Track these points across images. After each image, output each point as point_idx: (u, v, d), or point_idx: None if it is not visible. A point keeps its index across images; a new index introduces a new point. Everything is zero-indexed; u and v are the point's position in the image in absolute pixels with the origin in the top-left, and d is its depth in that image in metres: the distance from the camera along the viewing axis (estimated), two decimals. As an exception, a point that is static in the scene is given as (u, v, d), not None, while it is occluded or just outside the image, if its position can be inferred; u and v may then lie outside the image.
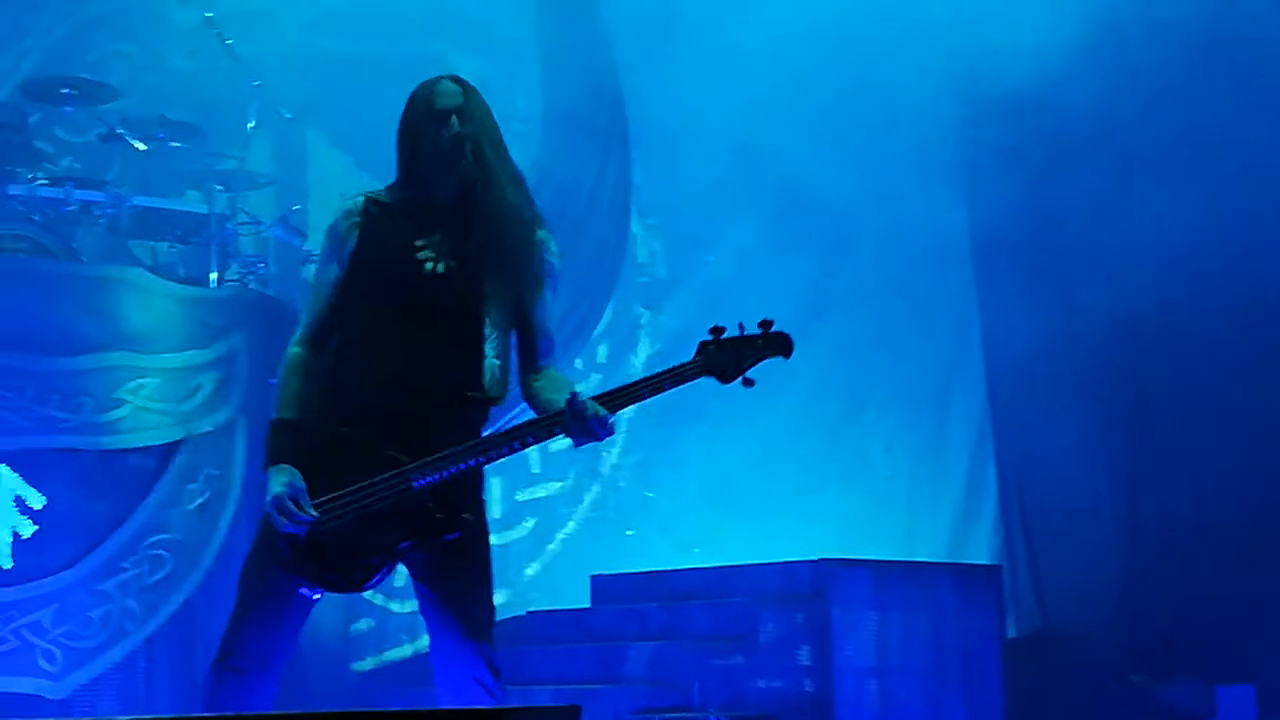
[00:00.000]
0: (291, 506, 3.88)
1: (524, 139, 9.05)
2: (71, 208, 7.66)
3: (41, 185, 7.64)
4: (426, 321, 3.97)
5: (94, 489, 7.06)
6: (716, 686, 6.97)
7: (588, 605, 8.03)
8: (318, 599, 4.07)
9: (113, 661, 6.98)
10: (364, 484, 3.89)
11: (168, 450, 7.15)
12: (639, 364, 9.76)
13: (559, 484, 9.60)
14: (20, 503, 6.93)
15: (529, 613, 8.25)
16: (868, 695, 7.13)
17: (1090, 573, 8.76)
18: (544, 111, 8.36)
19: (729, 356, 4.02)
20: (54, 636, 6.92)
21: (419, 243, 4.00)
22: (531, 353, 4.12)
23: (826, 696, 6.99)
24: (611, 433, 3.98)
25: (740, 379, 4.05)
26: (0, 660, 6.85)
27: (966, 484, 9.74)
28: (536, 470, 9.54)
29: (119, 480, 7.10)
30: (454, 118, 4.02)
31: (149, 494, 7.11)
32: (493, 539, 9.20)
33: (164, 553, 7.06)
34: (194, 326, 7.27)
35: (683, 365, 4.01)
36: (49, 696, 6.88)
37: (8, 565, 6.89)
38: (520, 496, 9.49)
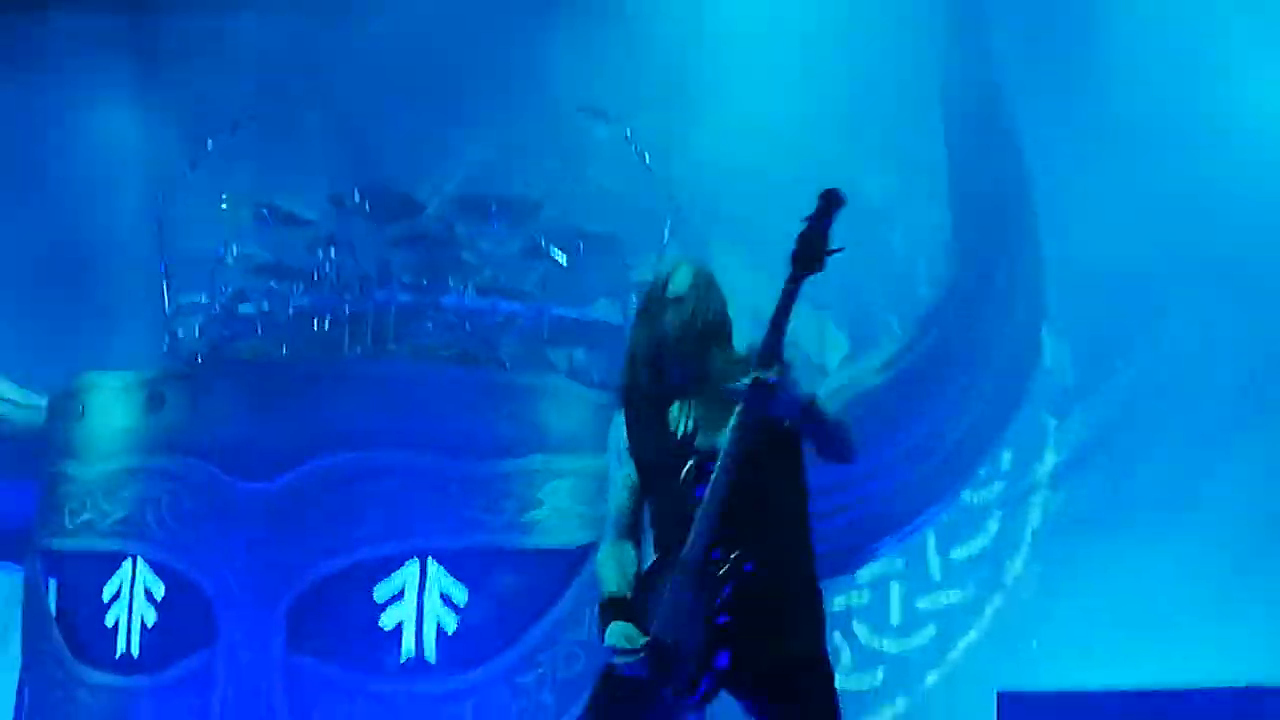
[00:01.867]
0: (626, 644, 4.16)
1: (932, 249, 9.03)
2: (497, 318, 8.06)
3: (470, 296, 8.07)
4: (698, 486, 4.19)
5: (513, 586, 7.34)
6: (1132, 815, 6.70)
7: (994, 720, 7.84)
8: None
9: (530, 754, 7.21)
10: (664, 590, 4.17)
11: (583, 551, 7.34)
12: (1045, 472, 9.53)
13: (960, 592, 9.45)
14: (446, 599, 7.26)
15: (935, 727, 8.14)
16: (1294, 831, 6.72)
17: None
18: (954, 221, 8.34)
19: (804, 246, 4.08)
20: (475, 728, 7.20)
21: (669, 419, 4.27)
22: None
23: (1251, 830, 6.62)
24: (777, 390, 4.03)
25: (829, 255, 4.08)
26: (460, 751, 7.17)
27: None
28: (937, 578, 9.41)
29: (536, 578, 7.35)
30: (674, 307, 4.33)
31: (565, 591, 7.35)
32: (891, 646, 9.25)
33: (578, 649, 7.26)
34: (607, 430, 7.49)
35: (785, 284, 4.09)
36: (469, 787, 7.17)
37: (432, 659, 7.22)
38: (920, 604, 9.38)
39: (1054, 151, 8.74)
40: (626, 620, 4.21)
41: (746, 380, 4.06)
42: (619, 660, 4.17)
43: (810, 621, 4.24)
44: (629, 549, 4.36)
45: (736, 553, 4.10)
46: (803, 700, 4.13)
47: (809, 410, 4.11)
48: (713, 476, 4.09)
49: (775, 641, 4.13)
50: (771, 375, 4.02)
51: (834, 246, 4.09)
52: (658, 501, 4.35)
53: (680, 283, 4.38)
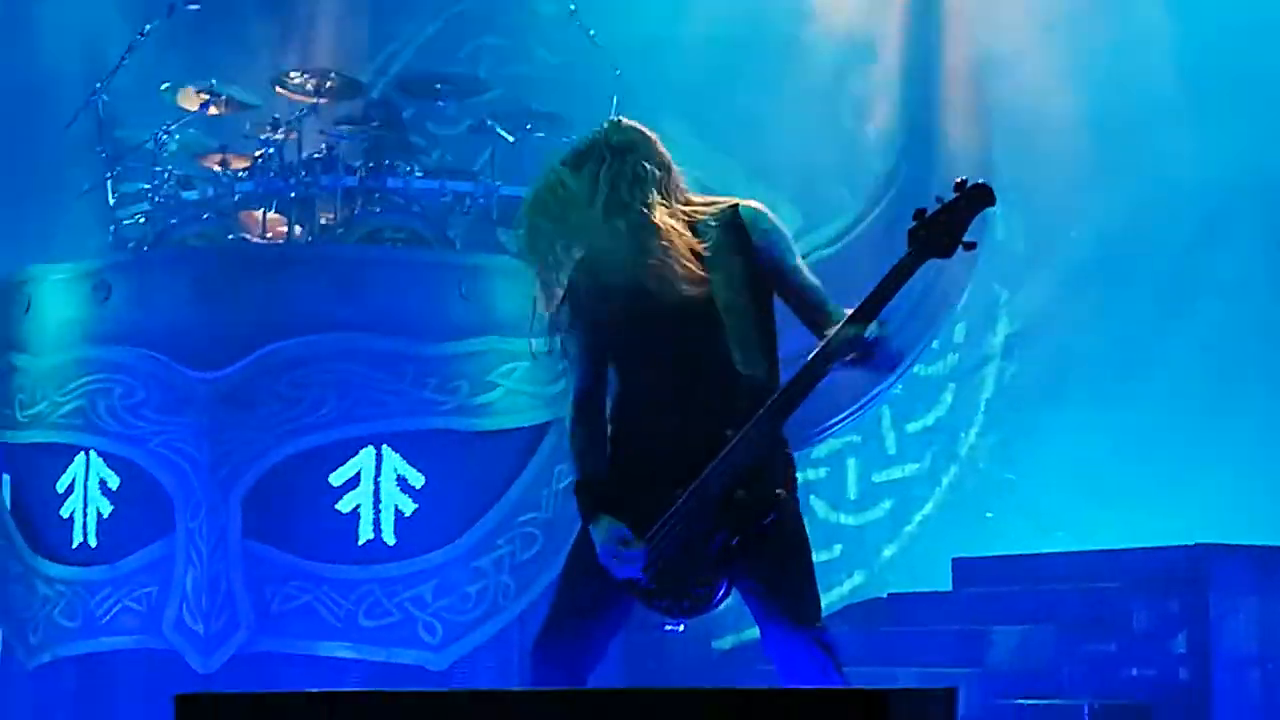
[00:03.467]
0: (622, 549, 4.01)
1: (883, 114, 8.96)
2: (445, 198, 7.98)
3: (417, 178, 7.99)
4: (674, 344, 4.07)
5: (469, 469, 7.35)
6: (1086, 674, 6.81)
7: (948, 588, 7.94)
8: (682, 629, 4.17)
9: (489, 635, 7.25)
10: (675, 506, 3.99)
11: (538, 431, 7.38)
12: (997, 343, 9.56)
13: (915, 465, 9.50)
14: (402, 482, 7.26)
15: (889, 595, 8.21)
16: (1249, 685, 6.84)
17: None
18: (901, 87, 8.27)
19: (939, 231, 3.91)
20: (434, 610, 7.23)
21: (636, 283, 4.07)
22: (807, 313, 4.13)
23: (1204, 686, 6.73)
24: (875, 348, 3.91)
25: (961, 246, 3.94)
26: (385, 632, 7.21)
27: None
28: (893, 452, 9.46)
29: (492, 460, 7.37)
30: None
31: (520, 474, 7.36)
32: (849, 520, 9.31)
33: (535, 531, 7.29)
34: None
35: (903, 259, 3.91)
36: (430, 668, 7.21)
37: (391, 542, 7.24)
38: (876, 478, 9.44)
39: (1001, 21, 8.69)
40: (608, 510, 4.04)
41: (830, 341, 3.90)
42: (614, 565, 4.00)
43: (779, 467, 4.11)
44: (599, 422, 4.16)
45: (778, 488, 4.00)
46: (782, 540, 4.04)
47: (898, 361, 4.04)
48: (763, 411, 3.94)
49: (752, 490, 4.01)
50: (869, 332, 3.89)
51: (969, 239, 3.92)
52: (633, 371, 4.12)
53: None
